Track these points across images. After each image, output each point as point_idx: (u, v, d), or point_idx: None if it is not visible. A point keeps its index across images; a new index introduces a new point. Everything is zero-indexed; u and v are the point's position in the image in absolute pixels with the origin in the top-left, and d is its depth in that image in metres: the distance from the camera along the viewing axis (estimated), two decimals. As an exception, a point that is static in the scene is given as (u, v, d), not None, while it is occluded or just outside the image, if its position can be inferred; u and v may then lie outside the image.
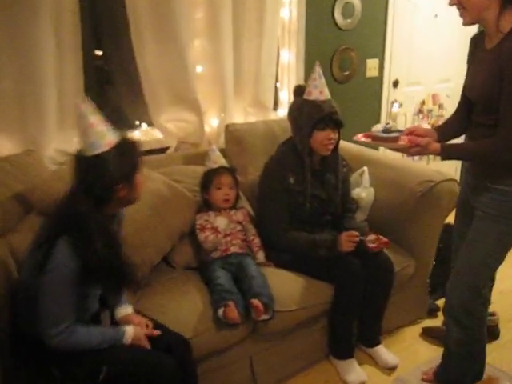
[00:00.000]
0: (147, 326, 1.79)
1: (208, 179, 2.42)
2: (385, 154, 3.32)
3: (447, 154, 1.87)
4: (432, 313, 2.82)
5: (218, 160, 2.50)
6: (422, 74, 4.09)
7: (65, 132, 2.54)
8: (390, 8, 3.67)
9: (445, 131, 2.07)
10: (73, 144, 2.50)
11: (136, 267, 1.89)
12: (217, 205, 2.41)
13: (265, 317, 2.07)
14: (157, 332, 1.77)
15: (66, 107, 2.50)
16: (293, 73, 3.28)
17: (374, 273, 2.31)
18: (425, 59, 4.03)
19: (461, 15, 1.77)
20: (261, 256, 2.42)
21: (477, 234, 1.92)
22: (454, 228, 2.22)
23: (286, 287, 2.24)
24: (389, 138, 1.93)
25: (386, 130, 1.95)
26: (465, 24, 1.78)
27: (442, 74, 4.21)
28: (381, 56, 3.77)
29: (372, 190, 2.75)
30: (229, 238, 2.35)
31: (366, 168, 2.81)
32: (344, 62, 3.53)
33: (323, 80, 2.32)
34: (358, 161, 2.87)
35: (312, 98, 2.31)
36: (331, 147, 2.35)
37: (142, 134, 2.90)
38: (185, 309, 2.06)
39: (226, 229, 2.36)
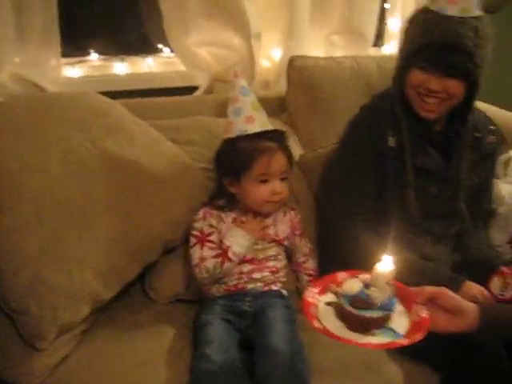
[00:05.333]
0: None
1: (243, 159, 1.22)
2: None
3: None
4: None
5: (257, 115, 1.26)
6: None
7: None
8: None
9: None
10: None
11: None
12: (253, 207, 1.27)
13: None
14: None
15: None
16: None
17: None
18: None
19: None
20: (312, 292, 1.37)
21: None
22: None
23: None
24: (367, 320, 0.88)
25: (358, 300, 0.89)
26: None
27: None
28: None
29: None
30: (248, 268, 1.27)
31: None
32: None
33: None
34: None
35: (435, 6, 1.21)
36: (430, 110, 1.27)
37: (158, 63, 1.86)
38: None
39: (245, 251, 1.25)
